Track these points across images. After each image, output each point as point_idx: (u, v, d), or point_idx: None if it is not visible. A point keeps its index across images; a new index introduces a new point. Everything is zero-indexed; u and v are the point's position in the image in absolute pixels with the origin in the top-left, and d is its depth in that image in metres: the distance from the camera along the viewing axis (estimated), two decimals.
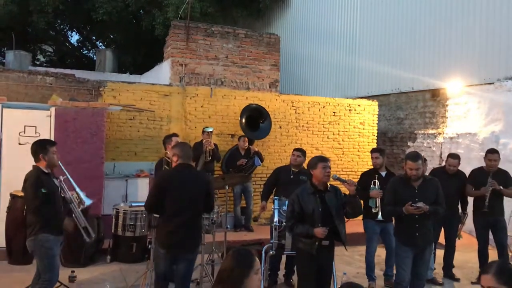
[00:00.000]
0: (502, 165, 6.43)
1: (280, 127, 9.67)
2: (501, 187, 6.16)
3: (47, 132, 6.89)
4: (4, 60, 16.10)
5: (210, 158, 8.11)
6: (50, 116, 6.99)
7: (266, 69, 10.50)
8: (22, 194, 4.70)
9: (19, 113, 6.86)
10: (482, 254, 6.39)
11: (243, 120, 8.99)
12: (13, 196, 6.12)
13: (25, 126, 6.79)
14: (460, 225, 6.59)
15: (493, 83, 8.94)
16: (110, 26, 17.08)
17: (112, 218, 6.67)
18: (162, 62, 10.67)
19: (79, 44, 22.30)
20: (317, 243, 4.26)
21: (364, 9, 12.69)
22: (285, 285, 5.98)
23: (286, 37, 15.17)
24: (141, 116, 8.62)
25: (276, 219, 5.36)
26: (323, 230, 4.20)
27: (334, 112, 10.13)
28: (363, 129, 10.37)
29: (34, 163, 4.50)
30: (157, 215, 4.51)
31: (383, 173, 6.04)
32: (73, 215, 4.83)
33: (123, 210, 6.60)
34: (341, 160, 10.13)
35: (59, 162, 4.70)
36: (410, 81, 10.90)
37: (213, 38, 10.03)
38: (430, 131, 10.42)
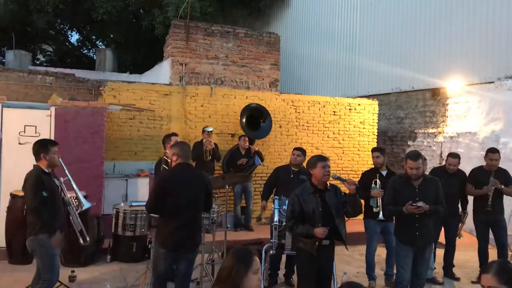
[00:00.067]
0: (502, 164, 6.43)
1: (280, 127, 9.67)
2: (503, 186, 6.16)
3: (47, 131, 6.89)
4: (4, 60, 16.11)
5: (210, 157, 8.11)
6: (50, 115, 6.99)
7: (266, 68, 10.50)
8: (22, 193, 4.70)
9: (19, 112, 6.86)
10: (482, 253, 6.39)
11: (244, 120, 8.99)
12: (13, 196, 6.12)
13: (25, 125, 6.79)
14: (460, 224, 6.59)
15: (493, 82, 8.94)
16: (110, 26, 17.07)
17: (112, 218, 6.67)
18: (162, 62, 10.67)
19: (79, 43, 22.30)
20: (317, 243, 4.26)
21: (364, 8, 12.68)
22: (285, 285, 5.98)
23: (286, 36, 15.17)
24: (141, 115, 8.62)
25: (276, 218, 5.36)
26: (323, 230, 4.19)
27: (334, 112, 10.13)
28: (363, 128, 10.37)
29: (34, 163, 4.50)
30: (157, 215, 4.51)
31: (384, 172, 6.04)
32: (70, 217, 4.83)
33: (123, 209, 6.60)
34: (341, 159, 10.13)
35: (62, 163, 4.71)
36: (410, 80, 10.89)
37: (213, 38, 10.02)
38: (430, 130, 10.41)
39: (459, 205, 6.52)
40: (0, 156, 6.72)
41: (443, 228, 6.45)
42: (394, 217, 5.31)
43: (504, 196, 6.32)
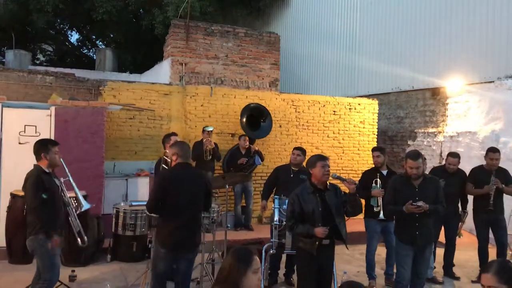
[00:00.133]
0: (502, 164, 6.43)
1: (280, 126, 9.67)
2: (503, 185, 6.16)
3: (47, 131, 6.89)
4: (4, 60, 16.11)
5: (210, 157, 8.11)
6: (50, 115, 6.99)
7: (266, 68, 10.49)
8: (22, 193, 4.70)
9: (19, 112, 6.85)
10: (482, 252, 6.39)
11: (244, 120, 8.98)
12: (13, 196, 6.12)
13: (25, 125, 6.79)
14: (460, 223, 6.59)
15: (493, 81, 8.94)
16: (110, 25, 17.07)
17: (113, 217, 6.68)
18: (162, 61, 10.66)
19: (79, 43, 22.30)
20: (317, 242, 4.25)
21: (364, 8, 12.68)
22: (285, 284, 5.98)
23: (286, 36, 15.16)
24: (141, 115, 8.62)
25: (276, 218, 5.36)
26: (323, 230, 4.19)
27: (334, 111, 10.13)
28: (363, 128, 10.37)
29: (35, 162, 4.49)
30: (157, 215, 4.50)
31: (385, 172, 6.04)
32: (69, 218, 4.83)
33: (123, 209, 6.61)
34: (341, 159, 10.13)
35: (63, 163, 4.71)
36: (410, 79, 10.89)
37: (213, 37, 10.02)
38: (430, 130, 10.41)
39: (459, 205, 6.52)
40: (0, 156, 6.72)
41: (443, 228, 6.46)
42: (394, 217, 5.31)
43: (504, 195, 6.33)
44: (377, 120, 10.55)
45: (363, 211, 6.04)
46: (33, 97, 8.01)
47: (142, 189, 7.96)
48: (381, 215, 5.66)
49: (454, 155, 6.42)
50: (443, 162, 7.06)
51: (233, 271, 2.55)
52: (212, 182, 4.96)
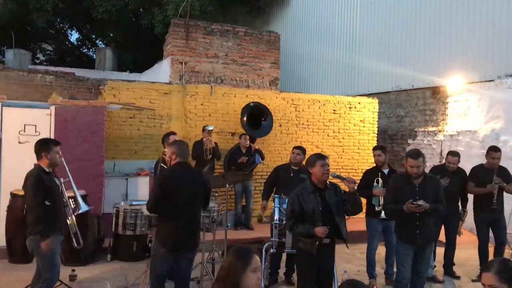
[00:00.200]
0: (502, 163, 6.41)
1: (280, 125, 9.66)
2: (505, 184, 6.17)
3: (47, 130, 6.88)
4: (3, 59, 16.10)
5: (210, 156, 8.11)
6: (50, 114, 6.98)
7: (266, 67, 10.49)
8: (22, 193, 4.70)
9: (19, 111, 6.85)
10: (483, 251, 6.38)
11: (245, 119, 8.98)
12: (13, 195, 6.12)
13: (25, 124, 6.78)
14: (460, 222, 6.58)
15: (493, 80, 8.93)
16: (110, 25, 17.06)
17: (113, 217, 6.67)
18: (162, 60, 10.66)
19: (79, 42, 22.29)
20: (317, 242, 4.25)
21: (364, 7, 12.66)
22: (285, 283, 5.98)
23: (286, 35, 15.15)
24: (141, 114, 8.61)
25: (276, 217, 5.36)
26: (323, 230, 4.18)
27: (334, 110, 10.12)
28: (363, 126, 10.36)
29: (35, 162, 4.49)
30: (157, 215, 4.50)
31: (386, 171, 6.02)
32: (67, 219, 4.83)
33: (124, 208, 6.61)
34: (341, 158, 10.12)
35: (64, 164, 4.70)
36: (410, 78, 10.88)
37: (213, 36, 10.01)
38: (430, 129, 10.41)
39: (459, 203, 6.52)
40: (0, 155, 6.72)
41: (443, 226, 6.45)
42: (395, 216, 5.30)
43: (504, 194, 6.33)
44: (377, 119, 10.54)
45: (365, 210, 6.05)
46: (33, 97, 8.01)
47: (142, 189, 7.96)
48: (383, 214, 5.66)
49: (454, 154, 6.41)
50: (443, 161, 7.06)
51: (233, 270, 2.54)
52: (206, 176, 4.94)
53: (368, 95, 11.45)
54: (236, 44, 10.20)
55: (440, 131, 10.12)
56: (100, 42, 21.31)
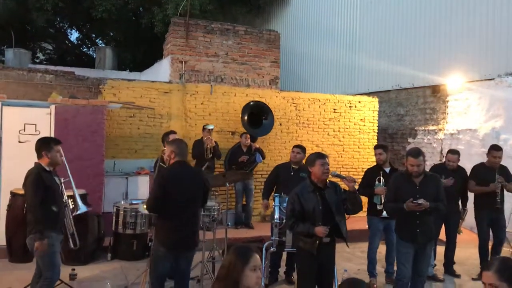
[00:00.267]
0: (502, 161, 6.40)
1: (281, 124, 9.65)
2: (506, 183, 6.18)
3: (47, 130, 6.88)
4: (3, 58, 16.10)
5: (210, 155, 8.10)
6: (50, 114, 6.98)
7: (266, 66, 10.47)
8: (22, 192, 4.69)
9: (19, 111, 6.85)
10: (483, 250, 6.38)
11: (245, 118, 8.96)
12: (13, 194, 6.12)
13: (25, 124, 6.78)
14: (460, 220, 6.58)
15: (493, 79, 8.92)
16: (110, 24, 17.05)
17: (113, 216, 6.67)
18: (162, 60, 10.65)
19: (79, 41, 22.28)
20: (317, 241, 4.24)
21: (364, 6, 12.65)
22: (286, 282, 5.98)
23: (286, 34, 15.14)
24: (141, 113, 8.61)
25: (276, 216, 5.35)
26: (324, 229, 4.17)
27: (334, 109, 10.12)
28: (364, 125, 10.35)
29: (35, 160, 4.48)
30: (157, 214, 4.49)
31: (387, 169, 6.02)
32: (65, 219, 4.82)
33: (124, 207, 6.61)
34: (341, 157, 10.12)
35: (66, 163, 4.69)
36: (411, 77, 10.87)
37: (213, 35, 10.00)
38: (431, 127, 10.40)
39: (459, 202, 6.52)
40: (0, 155, 6.72)
41: (443, 225, 6.45)
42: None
43: (505, 193, 6.33)
44: (377, 118, 10.54)
45: (367, 209, 6.05)
46: (33, 96, 8.00)
47: (142, 188, 7.96)
48: (384, 213, 5.65)
49: (454, 152, 6.42)
50: (444, 160, 7.06)
51: (233, 268, 2.54)
52: (205, 175, 4.94)
53: (368, 94, 11.44)
54: (236, 43, 10.19)
55: (440, 129, 10.12)
56: (100, 41, 21.31)
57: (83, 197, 5.95)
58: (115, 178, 7.90)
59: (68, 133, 6.96)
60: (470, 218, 6.63)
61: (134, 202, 6.63)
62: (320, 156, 4.40)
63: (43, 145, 4.46)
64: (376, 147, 6.32)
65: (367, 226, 6.17)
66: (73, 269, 5.63)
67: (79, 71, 10.56)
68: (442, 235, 6.55)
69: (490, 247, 6.44)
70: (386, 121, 11.64)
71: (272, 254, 5.68)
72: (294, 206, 4.33)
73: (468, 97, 9.53)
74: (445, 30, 10.02)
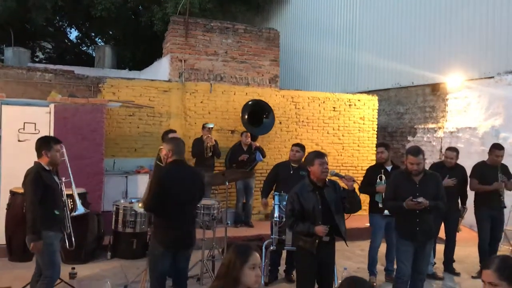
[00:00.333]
0: (503, 160, 6.42)
1: (280, 123, 9.65)
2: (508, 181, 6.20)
3: (46, 128, 6.87)
4: (3, 57, 16.09)
5: (210, 154, 8.11)
6: (50, 112, 6.98)
7: (266, 64, 10.47)
8: (22, 190, 4.69)
9: (18, 109, 6.84)
10: (483, 248, 6.38)
11: (245, 117, 8.96)
12: (13, 193, 6.11)
13: (24, 123, 6.78)
14: (459, 219, 6.58)
15: (493, 77, 8.92)
16: (109, 22, 17.03)
17: (112, 215, 6.68)
18: (161, 58, 10.64)
19: (78, 40, 22.27)
20: (317, 240, 4.24)
21: (364, 4, 12.64)
22: (285, 281, 5.98)
23: (286, 32, 15.13)
24: (141, 112, 8.60)
25: (276, 214, 5.36)
26: (324, 229, 4.17)
27: (334, 107, 10.11)
28: (363, 124, 10.35)
29: (35, 159, 4.48)
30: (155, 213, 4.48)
31: (389, 168, 6.01)
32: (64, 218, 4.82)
33: (123, 206, 6.61)
34: (341, 155, 10.11)
35: (67, 162, 4.68)
36: (410, 75, 10.87)
37: (212, 34, 9.99)
38: (430, 126, 10.40)
39: (459, 200, 6.52)
40: None
41: (443, 223, 6.45)
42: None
43: (505, 191, 6.34)
44: (377, 116, 10.53)
45: (368, 207, 6.06)
46: (32, 95, 8.00)
47: (142, 186, 7.93)
48: (386, 211, 5.65)
49: (452, 149, 6.43)
50: (443, 158, 7.06)
51: (232, 266, 2.54)
52: (202, 173, 4.94)
53: (368, 92, 11.43)
54: (236, 41, 10.18)
55: (440, 128, 10.12)
56: (100, 40, 21.30)
57: (82, 196, 5.96)
58: (114, 176, 7.90)
59: (67, 132, 6.96)
60: (469, 216, 6.63)
61: (133, 201, 6.63)
62: (318, 155, 4.38)
63: (43, 144, 4.46)
64: (377, 146, 6.34)
65: (367, 224, 6.18)
66: (73, 268, 5.65)
67: (78, 70, 10.54)
68: (442, 233, 6.56)
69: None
70: (385, 120, 11.64)
71: (272, 253, 5.68)
72: (294, 205, 4.32)
73: (467, 95, 9.53)
74: (445, 28, 10.02)
